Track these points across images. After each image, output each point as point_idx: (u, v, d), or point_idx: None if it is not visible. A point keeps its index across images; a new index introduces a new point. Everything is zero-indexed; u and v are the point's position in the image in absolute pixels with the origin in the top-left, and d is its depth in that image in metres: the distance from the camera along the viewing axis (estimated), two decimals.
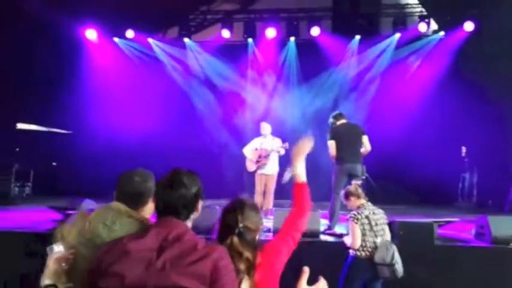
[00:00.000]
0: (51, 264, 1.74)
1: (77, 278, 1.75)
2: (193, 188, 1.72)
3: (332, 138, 5.85)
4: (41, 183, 9.08)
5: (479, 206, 8.43)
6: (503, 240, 4.85)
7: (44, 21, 7.96)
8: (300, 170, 2.26)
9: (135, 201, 1.97)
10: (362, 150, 5.83)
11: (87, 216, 1.93)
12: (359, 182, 6.45)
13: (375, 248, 3.77)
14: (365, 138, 5.86)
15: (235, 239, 1.92)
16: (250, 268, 1.87)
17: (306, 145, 2.31)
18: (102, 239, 1.75)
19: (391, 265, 3.66)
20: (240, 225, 1.96)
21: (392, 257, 3.67)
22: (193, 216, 1.74)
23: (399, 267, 3.70)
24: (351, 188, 4.17)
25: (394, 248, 3.76)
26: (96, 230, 1.80)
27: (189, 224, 1.72)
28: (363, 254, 3.81)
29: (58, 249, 1.78)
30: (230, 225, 1.97)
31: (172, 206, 1.67)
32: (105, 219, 1.83)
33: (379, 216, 3.92)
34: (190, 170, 1.78)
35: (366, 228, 3.81)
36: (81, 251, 1.79)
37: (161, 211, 1.70)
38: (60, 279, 1.75)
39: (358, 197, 4.02)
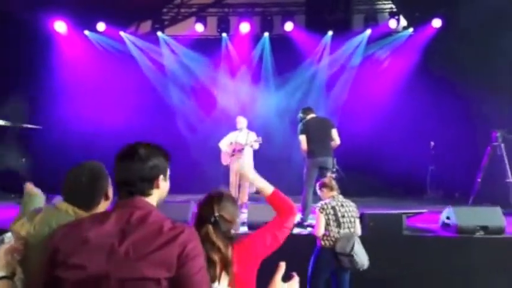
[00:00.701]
0: (2, 256, 1.66)
1: (28, 271, 1.70)
2: (151, 160, 1.57)
3: (302, 132, 5.96)
4: (10, 180, 8.82)
5: (446, 198, 8.72)
6: (468, 230, 5.06)
7: (10, 12, 7.72)
8: (261, 184, 2.21)
9: (84, 202, 1.84)
10: (332, 143, 5.95)
11: (35, 216, 1.84)
12: (334, 175, 6.61)
13: (339, 238, 3.92)
14: (334, 132, 5.98)
15: (210, 228, 1.90)
16: (227, 263, 1.84)
17: (242, 165, 2.33)
18: None
19: (350, 255, 3.81)
20: (216, 214, 1.95)
21: (352, 248, 3.81)
22: (157, 193, 1.60)
23: (359, 258, 3.83)
24: (326, 179, 4.36)
25: (356, 239, 3.91)
26: (43, 234, 1.72)
27: (153, 203, 1.58)
28: (327, 243, 3.97)
29: (8, 240, 1.74)
30: (205, 215, 1.96)
31: (128, 180, 1.54)
32: (50, 223, 1.74)
33: (348, 209, 4.05)
34: (151, 143, 1.64)
35: (330, 218, 3.97)
36: (32, 246, 1.73)
37: (119, 188, 1.57)
38: (15, 270, 1.69)
39: (331, 189, 4.17)
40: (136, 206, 1.52)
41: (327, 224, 3.96)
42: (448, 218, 5.33)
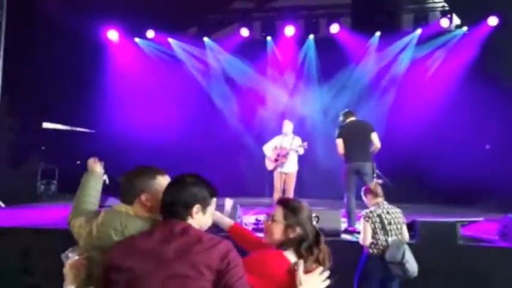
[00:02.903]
0: (69, 271, 1.79)
1: (94, 282, 1.78)
2: (189, 188, 1.71)
3: (339, 136, 5.88)
4: (66, 181, 9.28)
5: (503, 205, 8.21)
6: None
7: (66, 23, 8.15)
8: None
9: (124, 197, 1.90)
10: (372, 147, 5.79)
11: (94, 218, 1.91)
12: (380, 181, 6.41)
13: (387, 246, 3.81)
14: (374, 136, 5.81)
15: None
16: None
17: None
18: None
19: (401, 264, 3.69)
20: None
21: (403, 256, 3.69)
22: (192, 223, 1.69)
23: (410, 266, 3.71)
24: (371, 185, 4.26)
25: (406, 247, 3.78)
26: (109, 237, 1.79)
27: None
28: (375, 251, 3.87)
29: (72, 255, 1.82)
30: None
31: (166, 202, 1.71)
32: (115, 224, 1.81)
33: (394, 215, 3.94)
34: (197, 174, 1.79)
35: (377, 226, 3.87)
36: (94, 256, 1.81)
37: (161, 210, 1.74)
38: (82, 282, 1.79)
39: (376, 195, 4.06)
40: (176, 223, 1.68)
41: (374, 233, 3.87)
42: (506, 227, 5.02)
